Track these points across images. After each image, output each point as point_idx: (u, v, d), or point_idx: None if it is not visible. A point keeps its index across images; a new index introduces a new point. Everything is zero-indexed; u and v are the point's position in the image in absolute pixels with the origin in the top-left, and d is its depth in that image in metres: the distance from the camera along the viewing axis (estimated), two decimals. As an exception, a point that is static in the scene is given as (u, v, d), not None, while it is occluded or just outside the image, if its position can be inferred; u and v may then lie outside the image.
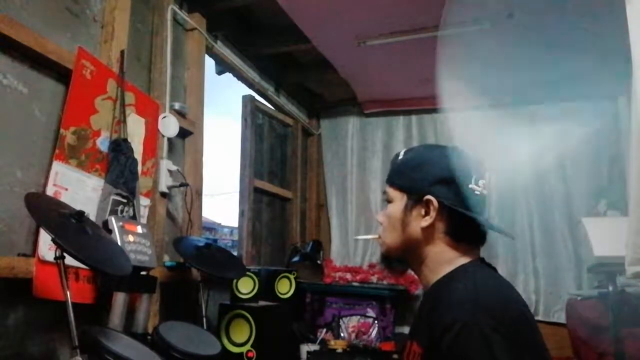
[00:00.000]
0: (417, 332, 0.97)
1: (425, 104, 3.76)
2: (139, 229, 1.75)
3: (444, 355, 0.81)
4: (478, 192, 0.96)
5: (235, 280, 2.45)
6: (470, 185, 0.95)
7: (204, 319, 2.08)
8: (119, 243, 1.60)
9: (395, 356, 3.01)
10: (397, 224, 1.01)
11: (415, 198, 0.98)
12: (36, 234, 1.55)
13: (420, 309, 1.01)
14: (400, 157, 1.05)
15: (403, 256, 1.04)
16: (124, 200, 1.85)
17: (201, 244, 2.13)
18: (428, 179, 0.97)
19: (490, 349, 0.77)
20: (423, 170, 0.99)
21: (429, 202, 0.96)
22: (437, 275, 0.97)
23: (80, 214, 1.38)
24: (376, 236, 1.09)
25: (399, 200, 1.01)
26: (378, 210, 3.92)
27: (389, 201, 1.04)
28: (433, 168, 0.98)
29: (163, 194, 2.27)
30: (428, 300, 0.98)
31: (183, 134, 2.47)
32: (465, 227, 0.95)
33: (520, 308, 0.88)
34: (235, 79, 3.22)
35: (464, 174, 0.95)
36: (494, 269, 0.99)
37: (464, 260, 0.96)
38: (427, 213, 0.96)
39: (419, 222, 0.97)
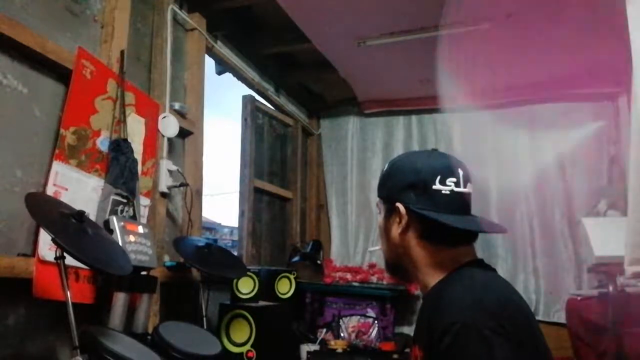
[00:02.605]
0: (418, 336, 0.98)
1: (425, 104, 3.76)
2: (140, 229, 1.75)
3: (444, 357, 0.81)
4: (447, 191, 0.96)
5: (235, 280, 2.45)
6: (434, 187, 0.96)
7: (204, 319, 2.08)
8: (120, 243, 1.60)
9: (395, 356, 3.01)
10: (383, 233, 1.06)
11: (389, 206, 1.02)
12: (36, 234, 1.55)
13: (421, 313, 1.02)
14: (385, 168, 1.08)
15: (398, 263, 1.05)
16: (124, 200, 1.85)
17: (201, 244, 2.13)
18: (398, 186, 1.01)
19: (489, 350, 0.77)
20: (394, 179, 1.03)
21: (397, 208, 0.99)
22: (433, 280, 0.97)
23: (81, 214, 1.38)
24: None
25: (383, 209, 1.05)
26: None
27: (379, 212, 1.08)
28: (401, 175, 1.01)
29: (163, 194, 2.27)
30: (427, 304, 0.98)
31: (183, 134, 2.47)
32: (437, 228, 0.95)
33: (519, 308, 0.88)
34: (235, 79, 3.22)
35: (427, 176, 0.97)
36: (493, 270, 0.99)
37: (457, 262, 0.96)
38: (400, 220, 0.99)
39: (396, 228, 1.00)
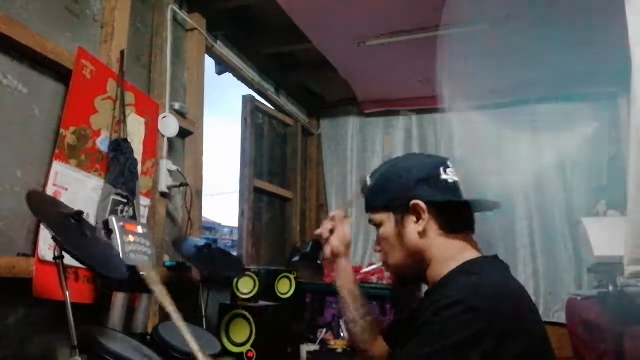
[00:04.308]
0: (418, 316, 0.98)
1: (425, 104, 3.76)
2: (140, 229, 1.75)
3: (423, 323, 0.83)
4: (451, 180, 0.99)
5: (235, 280, 2.45)
6: (442, 177, 0.98)
7: (204, 319, 2.08)
8: (120, 243, 1.60)
9: (395, 356, 3.01)
10: (395, 242, 1.02)
11: (402, 209, 1.00)
12: (36, 234, 1.55)
13: (420, 303, 1.02)
14: (370, 182, 1.07)
15: (413, 270, 1.03)
16: (124, 200, 1.85)
17: (201, 244, 2.13)
18: (407, 186, 0.99)
19: (467, 327, 0.78)
20: (398, 181, 1.01)
21: (416, 206, 0.97)
22: (445, 271, 0.97)
23: (79, 214, 1.38)
24: (380, 264, 1.11)
25: (387, 219, 1.03)
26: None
27: (378, 226, 1.05)
28: (406, 175, 1.00)
29: (163, 194, 2.27)
30: (429, 294, 0.99)
31: (183, 134, 2.47)
32: (454, 216, 0.98)
33: (525, 304, 0.88)
34: (235, 79, 3.22)
35: (434, 169, 0.99)
36: (506, 265, 0.99)
37: (471, 254, 0.96)
38: (419, 218, 0.97)
39: (414, 229, 0.98)
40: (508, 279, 0.93)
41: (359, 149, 4.13)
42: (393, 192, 1.01)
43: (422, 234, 0.98)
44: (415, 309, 1.06)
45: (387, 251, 1.05)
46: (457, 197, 0.98)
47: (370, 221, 1.07)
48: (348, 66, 3.30)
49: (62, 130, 1.64)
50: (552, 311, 3.34)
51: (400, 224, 1.00)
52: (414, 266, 1.02)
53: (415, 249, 0.99)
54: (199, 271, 2.13)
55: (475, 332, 0.77)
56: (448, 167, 1.00)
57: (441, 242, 0.98)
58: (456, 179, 1.00)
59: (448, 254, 0.97)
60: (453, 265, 0.96)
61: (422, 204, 0.96)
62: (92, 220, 1.70)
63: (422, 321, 0.85)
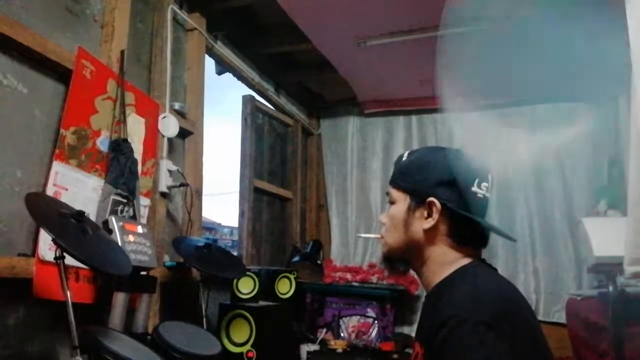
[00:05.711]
0: (420, 332, 0.98)
1: (425, 104, 3.76)
2: (140, 229, 1.75)
3: (439, 349, 0.82)
4: (481, 195, 0.96)
5: (235, 280, 2.45)
6: (472, 188, 0.96)
7: (204, 319, 2.08)
8: (119, 243, 1.60)
9: (395, 356, 3.01)
10: (400, 225, 1.01)
11: (418, 200, 0.99)
12: (36, 234, 1.55)
13: (423, 310, 1.02)
14: (404, 158, 1.05)
15: (405, 257, 1.04)
16: (124, 200, 1.85)
17: (201, 244, 2.13)
18: (431, 181, 0.97)
19: (481, 343, 0.78)
20: (426, 172, 0.99)
21: (431, 204, 0.96)
22: (439, 277, 0.97)
23: (81, 214, 1.38)
24: (378, 236, 1.09)
25: (402, 201, 1.02)
26: (378, 210, 3.92)
27: (392, 202, 1.04)
28: (436, 170, 0.98)
29: (163, 194, 2.27)
30: (430, 301, 0.98)
31: (183, 134, 2.47)
32: (467, 229, 0.96)
33: (518, 306, 0.88)
34: (235, 79, 3.22)
35: (467, 177, 0.96)
36: (495, 269, 0.99)
37: (465, 261, 0.96)
38: (429, 215, 0.97)
39: (422, 223, 0.98)
40: (500, 282, 0.94)
41: (359, 149, 4.12)
42: (417, 180, 1.00)
43: (427, 231, 0.97)
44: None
45: (389, 228, 1.05)
46: (479, 213, 0.96)
47: (387, 194, 1.07)
48: (348, 66, 3.29)
49: (62, 130, 1.65)
50: (552, 311, 3.34)
51: (411, 211, 0.99)
52: (407, 253, 1.02)
53: (414, 241, 0.99)
54: (199, 271, 2.13)
55: (491, 346, 0.78)
56: (485, 181, 0.97)
57: (444, 247, 0.97)
58: (488, 195, 0.97)
59: (446, 259, 0.97)
60: (448, 271, 0.96)
61: (437, 203, 0.95)
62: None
63: (434, 352, 0.84)
